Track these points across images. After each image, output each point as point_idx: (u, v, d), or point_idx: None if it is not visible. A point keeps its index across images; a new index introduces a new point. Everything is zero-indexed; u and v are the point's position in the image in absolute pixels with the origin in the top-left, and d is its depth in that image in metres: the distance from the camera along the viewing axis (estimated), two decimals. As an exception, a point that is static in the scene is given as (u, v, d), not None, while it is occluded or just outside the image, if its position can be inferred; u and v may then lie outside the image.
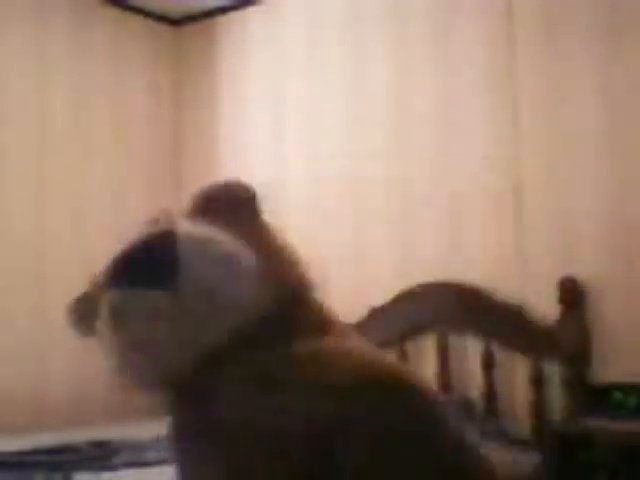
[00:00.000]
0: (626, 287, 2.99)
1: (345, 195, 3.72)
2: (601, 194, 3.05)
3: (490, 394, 3.16)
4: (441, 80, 3.49)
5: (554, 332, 3.00)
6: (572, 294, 2.99)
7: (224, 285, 1.23)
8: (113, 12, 4.10)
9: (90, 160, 3.93)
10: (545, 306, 3.12)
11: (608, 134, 3.07)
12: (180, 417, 1.28)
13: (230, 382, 1.23)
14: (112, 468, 2.57)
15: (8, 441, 2.96)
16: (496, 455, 2.65)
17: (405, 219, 3.53)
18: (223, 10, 4.22)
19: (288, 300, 1.30)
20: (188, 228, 1.27)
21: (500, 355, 3.24)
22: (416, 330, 3.41)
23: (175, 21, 4.37)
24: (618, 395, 2.83)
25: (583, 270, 3.06)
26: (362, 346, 1.28)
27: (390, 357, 1.29)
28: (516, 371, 3.19)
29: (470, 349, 3.31)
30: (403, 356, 3.42)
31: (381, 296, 3.56)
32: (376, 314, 3.47)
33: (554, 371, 3.09)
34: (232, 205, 1.40)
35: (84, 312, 1.33)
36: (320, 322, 1.32)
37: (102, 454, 2.73)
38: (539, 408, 3.05)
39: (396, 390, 1.19)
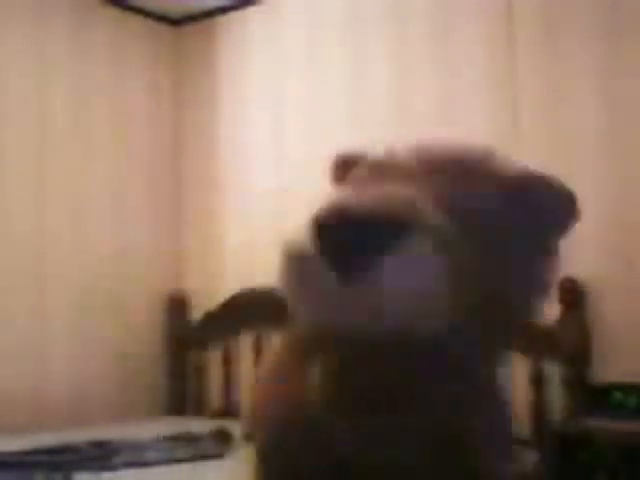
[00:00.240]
0: (626, 287, 2.99)
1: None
2: (601, 194, 3.04)
3: (490, 394, 3.16)
4: (441, 80, 3.48)
5: (554, 332, 3.00)
6: (572, 294, 2.99)
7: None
8: (113, 12, 4.10)
9: (90, 160, 3.93)
10: (545, 306, 3.11)
11: (608, 134, 3.07)
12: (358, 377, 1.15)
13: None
14: (112, 468, 2.57)
15: (8, 441, 2.96)
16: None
17: (405, 219, 3.53)
18: (223, 10, 4.21)
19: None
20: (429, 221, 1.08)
21: (500, 355, 3.23)
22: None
23: (175, 21, 4.37)
24: (618, 395, 2.83)
25: (583, 270, 3.05)
26: None
27: None
28: (516, 371, 3.19)
29: (470, 349, 3.31)
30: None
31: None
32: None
33: (554, 371, 3.08)
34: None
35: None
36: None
37: (102, 454, 2.74)
38: (539, 408, 3.05)
39: None
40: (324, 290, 1.05)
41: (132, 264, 4.06)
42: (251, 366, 3.80)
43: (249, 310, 3.84)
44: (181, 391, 4.09)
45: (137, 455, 2.74)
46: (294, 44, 3.95)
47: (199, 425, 3.33)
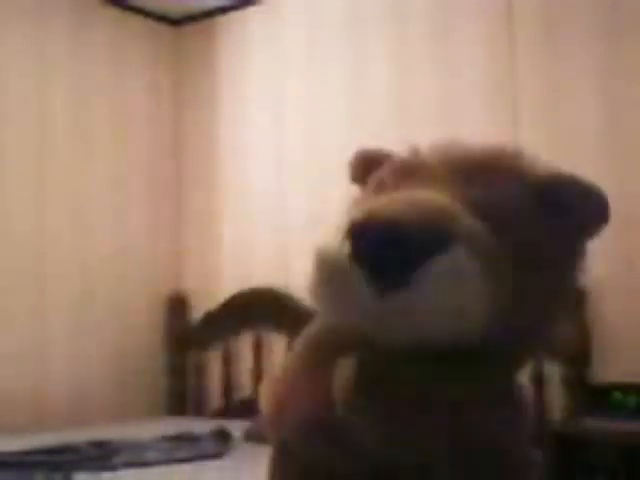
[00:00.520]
0: (626, 287, 2.99)
1: (346, 195, 3.71)
2: (601, 194, 3.04)
3: (490, 394, 3.15)
4: (441, 80, 3.48)
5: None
6: (572, 294, 2.98)
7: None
8: (113, 12, 4.10)
9: (90, 160, 3.93)
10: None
11: (608, 134, 3.07)
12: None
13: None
14: (112, 468, 2.57)
15: (8, 441, 2.96)
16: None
17: (405, 219, 3.53)
18: (223, 10, 4.21)
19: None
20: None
21: (500, 355, 3.23)
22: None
23: (175, 21, 4.37)
24: (618, 395, 2.83)
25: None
26: None
27: None
28: (516, 371, 3.19)
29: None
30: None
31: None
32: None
33: (554, 371, 3.08)
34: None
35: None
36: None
37: (102, 454, 2.74)
38: (539, 408, 3.05)
39: None
40: (360, 301, 1.05)
41: (132, 264, 4.06)
42: (251, 366, 3.81)
43: (249, 310, 3.84)
44: (181, 391, 4.09)
45: (137, 455, 2.74)
46: (294, 44, 3.95)
47: (199, 425, 3.33)
